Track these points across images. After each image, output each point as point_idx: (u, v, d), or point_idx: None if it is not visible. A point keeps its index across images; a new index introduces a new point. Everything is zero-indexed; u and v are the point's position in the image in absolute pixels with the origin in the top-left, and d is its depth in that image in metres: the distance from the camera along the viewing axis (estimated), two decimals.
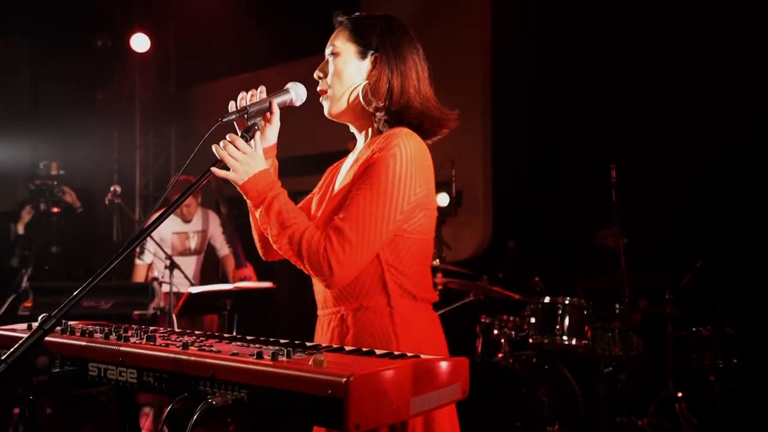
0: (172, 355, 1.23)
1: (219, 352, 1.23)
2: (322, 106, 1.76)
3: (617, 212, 3.70)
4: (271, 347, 1.25)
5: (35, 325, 1.27)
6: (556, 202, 4.96)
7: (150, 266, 4.76)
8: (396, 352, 1.26)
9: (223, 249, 5.05)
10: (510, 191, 5.45)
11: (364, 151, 1.68)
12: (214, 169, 1.56)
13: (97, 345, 1.36)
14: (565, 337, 3.87)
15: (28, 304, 3.85)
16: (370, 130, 1.75)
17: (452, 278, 4.50)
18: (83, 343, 1.38)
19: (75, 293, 1.29)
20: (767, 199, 4.16)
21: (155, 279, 4.16)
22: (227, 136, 1.59)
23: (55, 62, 6.82)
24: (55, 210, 5.33)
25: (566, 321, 3.88)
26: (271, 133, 1.70)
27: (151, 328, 1.59)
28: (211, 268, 5.24)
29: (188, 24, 7.32)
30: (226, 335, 1.49)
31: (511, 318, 4.15)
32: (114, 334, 1.42)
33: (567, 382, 3.88)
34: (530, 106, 5.14)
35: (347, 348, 1.33)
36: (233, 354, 1.20)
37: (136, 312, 3.98)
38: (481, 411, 3.78)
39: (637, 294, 4.20)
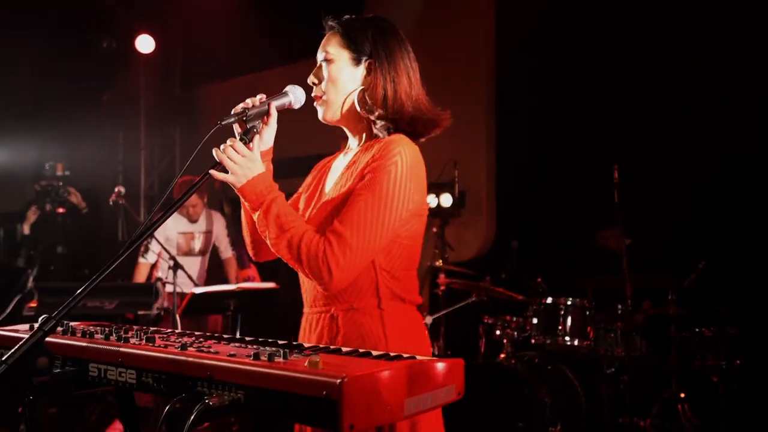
0: (170, 356, 1.25)
1: (217, 353, 1.24)
2: (316, 108, 1.78)
3: (619, 213, 3.71)
4: (268, 348, 1.27)
5: (37, 326, 1.29)
6: (559, 203, 4.96)
7: (154, 266, 4.78)
8: (392, 354, 1.27)
9: (227, 252, 5.07)
10: (513, 192, 5.46)
11: (361, 156, 1.69)
12: (212, 172, 1.57)
13: (97, 346, 1.37)
14: (567, 338, 3.88)
15: (33, 304, 3.87)
16: (364, 134, 1.78)
17: (455, 279, 4.52)
18: (84, 344, 1.40)
19: (75, 294, 1.30)
20: None
21: (159, 279, 4.18)
22: (228, 140, 1.61)
23: (61, 63, 6.85)
24: (61, 210, 5.37)
25: (568, 321, 3.88)
26: (268, 135, 1.71)
27: (152, 329, 1.60)
28: (216, 268, 5.26)
29: (193, 25, 7.35)
30: (225, 336, 1.50)
31: (514, 318, 4.15)
32: (114, 335, 1.44)
33: (569, 382, 3.88)
34: (533, 106, 5.14)
35: (344, 349, 1.34)
36: (230, 355, 1.21)
37: (140, 312, 4.01)
38: (484, 411, 3.78)
39: (640, 295, 4.20)
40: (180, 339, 1.42)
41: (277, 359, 1.16)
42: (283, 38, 6.38)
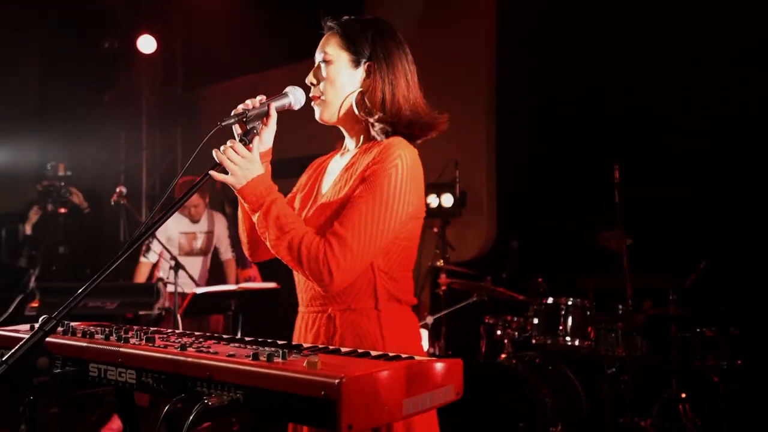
0: (170, 356, 1.25)
1: (216, 353, 1.25)
2: (314, 107, 1.78)
3: (620, 213, 3.71)
4: (267, 348, 1.27)
5: (37, 326, 1.29)
6: (560, 203, 4.96)
7: (156, 266, 4.79)
8: (391, 354, 1.28)
9: (227, 253, 5.07)
10: (514, 192, 5.46)
11: (360, 158, 1.70)
12: (212, 173, 1.58)
13: (98, 346, 1.38)
14: (568, 338, 3.88)
15: (35, 304, 3.88)
16: (361, 135, 1.78)
17: (456, 279, 4.52)
18: (84, 344, 1.40)
19: (75, 295, 1.31)
20: None
21: (160, 279, 4.19)
22: (228, 142, 1.61)
23: (63, 64, 6.87)
24: (63, 211, 5.38)
25: (569, 322, 3.89)
26: (267, 136, 1.72)
27: (153, 329, 1.61)
28: (218, 269, 5.27)
29: (194, 26, 7.37)
30: (225, 336, 1.51)
31: (515, 319, 4.15)
32: (114, 335, 1.44)
33: (570, 382, 3.88)
34: (534, 106, 5.14)
35: (343, 350, 1.34)
36: (230, 355, 1.21)
37: (141, 312, 4.01)
38: (485, 411, 3.78)
39: (641, 295, 4.20)
40: (180, 339, 1.42)
41: (275, 359, 1.17)
42: (284, 38, 6.39)
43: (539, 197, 5.12)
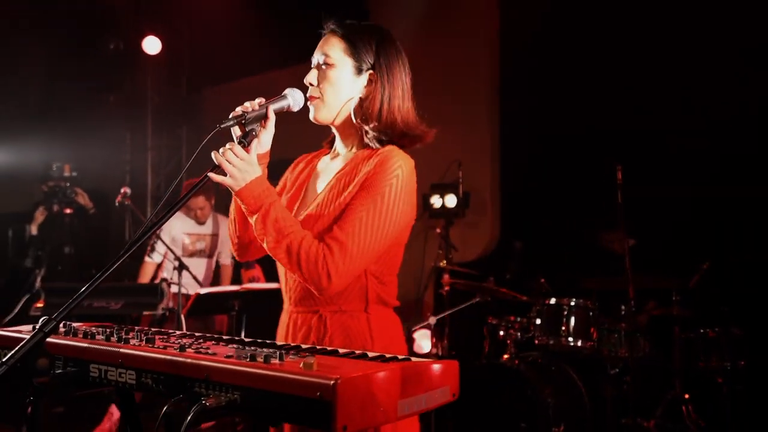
0: (168, 357, 1.26)
1: (215, 354, 1.26)
2: (309, 107, 1.79)
3: (622, 214, 3.71)
4: (265, 350, 1.28)
5: (37, 327, 1.31)
6: (563, 203, 4.96)
7: (160, 266, 4.82)
8: (387, 355, 1.29)
9: (226, 258, 5.09)
10: (517, 192, 5.46)
11: (359, 164, 1.72)
12: (211, 175, 1.59)
13: (98, 347, 1.39)
14: (570, 339, 3.88)
15: (40, 304, 3.91)
16: (354, 141, 1.81)
17: (459, 279, 4.53)
18: (85, 345, 1.41)
19: (75, 296, 1.32)
20: None
21: (164, 280, 4.21)
22: (227, 144, 1.63)
23: (68, 65, 6.90)
24: (68, 211, 5.41)
25: (572, 322, 3.88)
26: (266, 138, 1.73)
27: (153, 329, 1.62)
28: (215, 271, 5.28)
29: (199, 27, 7.39)
30: (224, 337, 1.52)
31: (518, 319, 4.15)
32: (115, 336, 1.46)
33: (573, 383, 3.88)
34: (537, 107, 5.14)
35: (341, 351, 1.35)
36: (228, 356, 1.23)
37: (146, 312, 4.04)
38: (487, 411, 3.79)
39: (644, 295, 4.19)
40: (179, 340, 1.44)
41: (273, 360, 1.18)
42: (289, 39, 6.40)
43: (542, 198, 5.12)
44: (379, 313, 1.74)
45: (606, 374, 3.92)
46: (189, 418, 1.12)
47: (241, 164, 1.60)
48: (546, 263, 4.59)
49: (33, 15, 6.50)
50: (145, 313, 4.15)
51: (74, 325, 1.62)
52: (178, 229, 4.87)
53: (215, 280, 5.11)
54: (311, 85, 1.77)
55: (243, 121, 1.65)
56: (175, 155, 7.87)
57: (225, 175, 1.61)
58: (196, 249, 4.93)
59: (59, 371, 1.41)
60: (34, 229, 5.40)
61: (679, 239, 4.40)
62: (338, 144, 1.85)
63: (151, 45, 6.94)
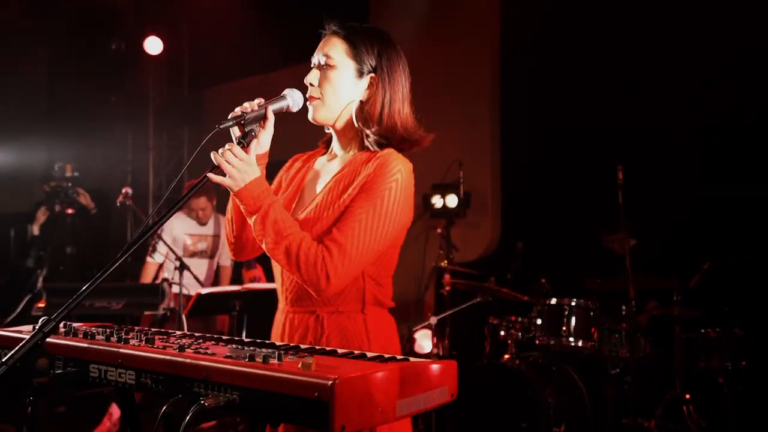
0: (168, 357, 1.27)
1: (214, 354, 1.26)
2: (308, 106, 1.79)
3: (623, 214, 3.71)
4: (264, 350, 1.28)
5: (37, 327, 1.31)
6: (564, 204, 4.96)
7: (161, 267, 4.82)
8: (386, 355, 1.29)
9: (227, 260, 5.08)
10: (518, 192, 5.46)
11: (357, 167, 1.73)
12: (210, 175, 1.59)
13: (98, 347, 1.39)
14: (571, 339, 3.88)
15: (42, 304, 3.92)
16: (353, 142, 1.81)
17: (460, 279, 4.53)
18: (85, 345, 1.42)
19: (74, 297, 1.33)
20: None
21: (165, 280, 4.21)
22: (227, 144, 1.63)
23: (70, 65, 6.93)
24: (70, 211, 5.42)
25: (572, 322, 3.88)
26: (265, 139, 1.73)
27: (153, 330, 1.62)
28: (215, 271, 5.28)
29: (201, 27, 7.40)
30: (224, 337, 1.52)
31: (519, 319, 4.15)
32: (115, 336, 1.46)
33: (574, 383, 3.88)
34: (538, 107, 5.14)
35: (340, 351, 1.35)
36: (227, 356, 1.23)
37: (147, 312, 4.04)
38: (488, 411, 3.79)
39: (645, 295, 4.19)
40: (179, 340, 1.44)
41: (271, 361, 1.18)
42: (290, 39, 6.41)
43: (543, 198, 5.12)
44: (376, 314, 1.76)
45: (607, 374, 3.91)
46: (188, 418, 1.13)
47: (241, 165, 1.60)
48: (547, 263, 4.59)
49: (35, 16, 6.52)
50: (147, 313, 4.16)
51: (74, 325, 1.62)
52: (180, 230, 4.88)
53: (215, 281, 5.11)
54: (311, 85, 1.77)
55: (242, 122, 1.65)
56: (177, 155, 7.88)
57: (224, 175, 1.61)
58: (197, 249, 4.93)
59: (59, 371, 1.41)
60: (35, 229, 5.41)
61: (679, 239, 4.40)
62: (335, 145, 1.86)
63: (153, 45, 6.95)
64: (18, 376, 1.24)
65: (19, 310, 4.72)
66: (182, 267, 4.12)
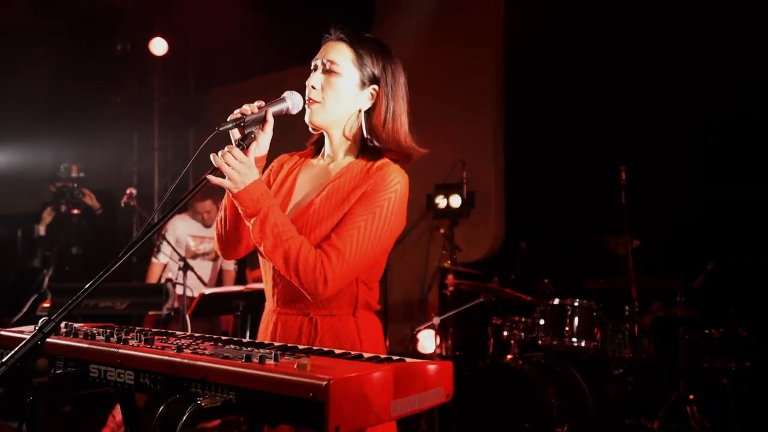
0: (166, 358, 1.28)
1: (211, 355, 1.27)
2: (307, 109, 1.80)
3: (626, 214, 3.71)
4: (261, 350, 1.29)
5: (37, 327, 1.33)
6: (567, 204, 4.96)
7: (165, 267, 4.84)
8: (382, 356, 1.30)
9: (231, 264, 5.10)
10: (522, 192, 5.46)
11: (355, 176, 1.75)
12: (210, 177, 1.60)
13: (98, 347, 1.41)
14: (574, 339, 3.88)
15: (47, 304, 3.94)
16: (349, 149, 1.83)
17: (463, 280, 4.53)
18: (85, 345, 1.43)
19: (74, 297, 1.34)
20: None
21: (169, 280, 4.23)
22: (227, 147, 1.64)
23: (76, 66, 6.95)
24: (76, 212, 5.44)
25: (575, 323, 3.89)
26: (264, 141, 1.74)
27: (153, 330, 1.64)
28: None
29: (206, 28, 7.41)
30: (223, 338, 1.54)
31: (522, 319, 4.16)
32: (115, 336, 1.47)
33: (576, 383, 3.88)
34: (542, 107, 5.14)
35: (337, 351, 1.36)
36: (224, 357, 1.24)
37: (151, 312, 4.06)
38: (491, 412, 3.80)
39: (649, 296, 4.19)
40: (178, 341, 1.45)
41: (268, 361, 1.19)
42: (295, 39, 6.42)
43: (546, 198, 5.12)
44: (366, 317, 1.80)
45: (610, 375, 3.92)
46: (184, 418, 1.14)
47: (240, 167, 1.61)
48: (550, 263, 4.59)
49: (39, 17, 6.55)
50: (151, 313, 4.18)
51: (75, 325, 1.64)
52: (183, 231, 4.89)
53: (218, 283, 5.13)
54: (313, 88, 1.78)
55: (242, 124, 1.66)
56: (182, 156, 7.89)
57: (224, 177, 1.62)
58: (200, 251, 4.95)
59: (59, 371, 1.43)
60: (42, 230, 5.43)
61: (682, 240, 4.39)
62: (329, 150, 1.86)
63: (158, 46, 6.96)
64: (18, 376, 1.25)
65: (25, 310, 4.75)
66: (186, 268, 4.14)
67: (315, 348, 1.44)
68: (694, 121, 4.47)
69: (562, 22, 5.02)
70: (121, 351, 1.36)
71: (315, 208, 1.75)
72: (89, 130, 6.66)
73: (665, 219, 4.40)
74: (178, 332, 1.65)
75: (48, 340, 1.32)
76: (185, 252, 4.81)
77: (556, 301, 3.95)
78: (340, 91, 1.76)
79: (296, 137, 1.99)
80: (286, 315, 1.78)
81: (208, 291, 4.08)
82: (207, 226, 4.95)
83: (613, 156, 3.89)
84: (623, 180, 3.74)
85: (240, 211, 1.67)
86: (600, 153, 4.53)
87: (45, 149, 6.64)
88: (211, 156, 1.63)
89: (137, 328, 1.69)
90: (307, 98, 1.78)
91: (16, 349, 1.25)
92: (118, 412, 4.14)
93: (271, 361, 1.20)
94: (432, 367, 1.26)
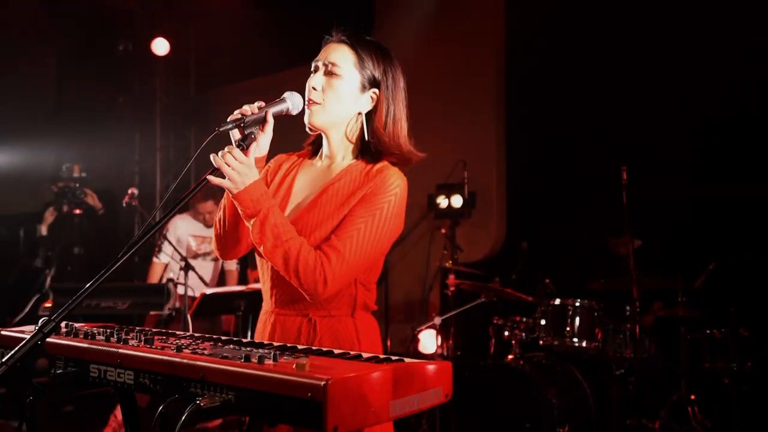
0: (165, 358, 1.28)
1: (210, 355, 1.28)
2: (307, 110, 1.79)
3: (628, 215, 3.70)
4: (260, 350, 1.30)
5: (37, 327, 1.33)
6: (569, 204, 4.96)
7: (166, 267, 4.84)
8: (381, 356, 1.30)
9: (232, 263, 5.10)
10: (523, 193, 5.46)
11: (355, 179, 1.76)
12: (210, 178, 1.60)
13: (98, 347, 1.41)
14: (575, 339, 3.88)
15: (48, 304, 3.95)
16: (348, 151, 1.84)
17: (465, 280, 4.53)
18: (85, 345, 1.43)
19: (74, 297, 1.34)
20: None
21: (170, 280, 4.24)
22: (227, 147, 1.64)
23: (78, 66, 6.97)
24: (78, 212, 5.44)
25: (576, 323, 3.88)
26: (264, 142, 1.74)
27: (153, 330, 1.64)
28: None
29: (207, 28, 7.42)
30: (223, 338, 1.54)
31: (523, 319, 4.16)
32: (115, 336, 1.48)
33: (578, 383, 3.88)
34: (543, 107, 5.14)
35: (336, 351, 1.36)
36: (223, 357, 1.24)
37: (152, 312, 4.07)
38: (492, 412, 3.80)
39: (650, 296, 4.18)
40: (178, 341, 1.45)
41: (266, 361, 1.19)
42: (296, 40, 6.43)
43: (548, 198, 5.12)
44: (364, 318, 1.81)
45: (611, 375, 3.91)
46: (183, 418, 1.14)
47: (240, 167, 1.61)
48: (551, 264, 4.59)
49: (42, 17, 6.56)
50: (152, 313, 4.19)
51: (76, 325, 1.64)
52: (184, 231, 4.89)
53: (220, 283, 5.13)
54: (314, 89, 1.78)
55: (242, 125, 1.66)
56: (184, 156, 7.90)
57: (224, 177, 1.62)
58: (201, 251, 4.95)
59: (59, 371, 1.43)
60: (44, 230, 5.44)
61: (683, 240, 4.39)
62: (327, 151, 1.86)
63: (160, 46, 6.98)
64: (16, 376, 1.26)
65: (26, 310, 4.76)
66: (187, 267, 4.14)
67: (314, 348, 1.45)
68: (694, 121, 4.47)
69: (562, 22, 5.02)
70: (120, 351, 1.36)
71: (315, 209, 1.75)
72: (91, 130, 6.67)
73: (666, 219, 4.40)
74: (178, 332, 1.65)
75: (48, 339, 1.32)
76: (186, 252, 4.81)
77: (557, 301, 3.95)
78: (340, 93, 1.76)
79: (296, 138, 1.98)
80: (284, 316, 1.78)
81: (209, 291, 4.08)
82: (208, 226, 4.96)
83: (614, 156, 3.89)
84: (624, 180, 3.74)
85: (240, 211, 1.67)
86: (600, 153, 4.54)
87: (47, 149, 6.65)
88: (211, 156, 1.63)
89: (137, 328, 1.69)
90: (307, 99, 1.78)
91: (17, 348, 1.25)
92: (119, 412, 4.15)
93: (270, 361, 1.20)
94: (431, 367, 1.26)
